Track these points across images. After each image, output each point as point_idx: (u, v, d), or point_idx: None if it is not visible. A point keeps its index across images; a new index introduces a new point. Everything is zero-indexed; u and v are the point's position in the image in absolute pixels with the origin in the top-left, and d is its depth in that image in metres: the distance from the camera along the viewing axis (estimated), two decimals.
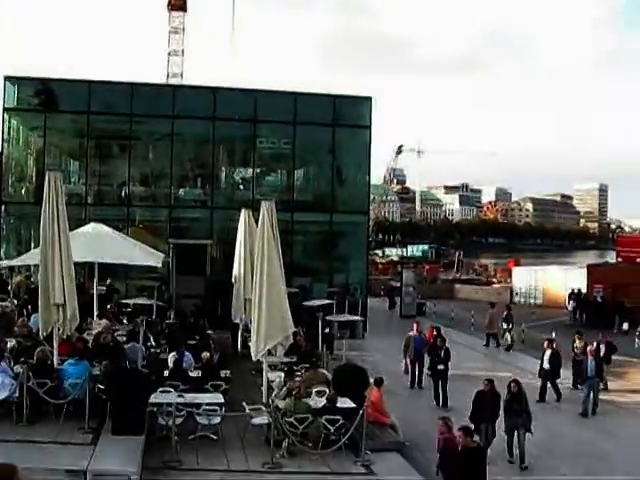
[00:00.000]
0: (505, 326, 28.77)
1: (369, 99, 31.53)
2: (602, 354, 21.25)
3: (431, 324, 22.20)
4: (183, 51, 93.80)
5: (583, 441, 16.31)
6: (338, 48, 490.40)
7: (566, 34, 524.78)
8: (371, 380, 15.87)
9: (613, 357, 24.02)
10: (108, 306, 21.97)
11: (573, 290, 39.00)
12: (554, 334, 26.50)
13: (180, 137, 30.64)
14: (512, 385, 14.83)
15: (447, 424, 11.61)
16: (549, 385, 19.96)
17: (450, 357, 19.51)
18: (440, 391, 19.05)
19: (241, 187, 33.52)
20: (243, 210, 19.98)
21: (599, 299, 36.94)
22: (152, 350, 18.18)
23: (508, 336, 28.63)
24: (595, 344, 21.22)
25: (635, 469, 14.41)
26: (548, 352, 20.25)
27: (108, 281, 25.01)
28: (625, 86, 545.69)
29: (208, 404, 13.62)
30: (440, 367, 19.23)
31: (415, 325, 22.43)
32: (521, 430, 14.34)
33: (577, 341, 22.13)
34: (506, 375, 20.90)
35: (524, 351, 26.95)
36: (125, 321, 21.37)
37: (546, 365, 20.06)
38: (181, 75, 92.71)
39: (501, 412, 14.63)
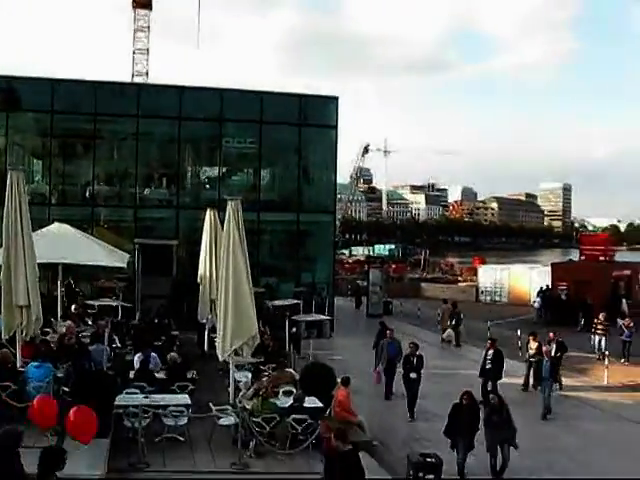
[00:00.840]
0: (448, 323, 30.03)
1: (335, 99, 31.58)
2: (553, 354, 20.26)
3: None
4: (148, 50, 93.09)
5: (544, 436, 16.47)
6: (304, 47, 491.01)
7: (531, 35, 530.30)
8: (338, 379, 15.90)
9: (574, 354, 24.42)
10: (72, 307, 21.74)
11: (542, 288, 39.46)
12: (519, 331, 26.85)
13: (145, 136, 30.41)
14: (491, 397, 14.00)
15: (327, 425, 11.05)
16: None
17: (423, 365, 18.19)
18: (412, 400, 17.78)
19: (207, 187, 33.37)
20: (209, 210, 19.88)
21: (563, 297, 37.37)
22: (117, 351, 18.05)
23: (452, 333, 29.54)
24: (548, 344, 20.71)
25: (603, 465, 14.61)
26: (490, 352, 19.26)
27: (67, 281, 24.66)
28: (589, 88, 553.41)
29: (174, 405, 13.54)
30: (412, 375, 17.90)
31: (388, 332, 20.74)
32: (505, 445, 13.30)
33: (531, 342, 21.40)
34: (474, 373, 21.15)
35: None
36: (90, 322, 21.16)
37: (488, 365, 19.07)
38: (146, 74, 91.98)
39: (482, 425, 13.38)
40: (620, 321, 26.88)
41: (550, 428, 17.15)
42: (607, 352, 24.29)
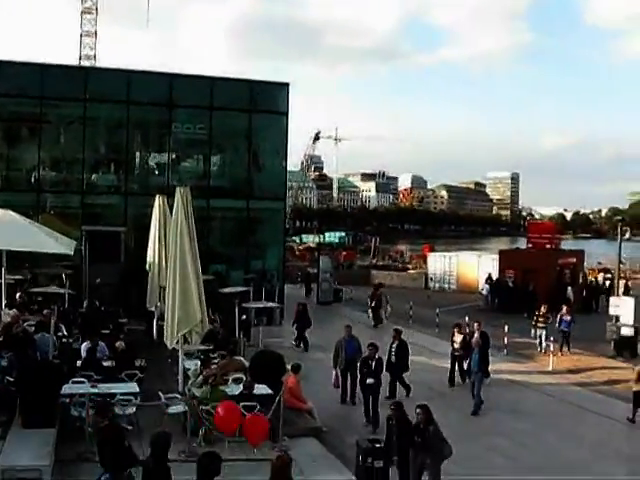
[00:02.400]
0: (370, 304, 31.63)
1: (286, 85, 31.44)
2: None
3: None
4: (96, 32, 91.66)
5: (491, 422, 16.75)
6: (255, 33, 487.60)
7: (483, 25, 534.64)
8: (288, 366, 15.92)
9: (520, 340, 24.90)
10: (17, 295, 21.31)
11: (490, 275, 40.02)
12: (467, 318, 27.16)
13: (93, 121, 29.89)
14: (417, 411, 11.77)
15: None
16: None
17: (382, 369, 17.08)
18: (370, 407, 16.31)
19: (156, 173, 32.94)
20: (158, 196, 19.66)
21: (510, 284, 37.96)
22: (64, 340, 17.77)
23: (370, 313, 31.25)
24: (477, 335, 19.53)
25: (552, 448, 14.92)
26: (396, 343, 18.56)
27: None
28: (540, 79, 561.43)
29: (122, 394, 13.42)
30: (369, 381, 16.54)
31: (347, 329, 19.09)
32: (428, 471, 11.58)
33: (456, 334, 20.62)
34: (422, 359, 21.43)
35: (437, 335, 27.42)
36: (36, 310, 20.77)
37: (393, 358, 18.21)
38: (94, 57, 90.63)
39: None
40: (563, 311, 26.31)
41: (497, 413, 17.43)
42: (550, 345, 24.15)
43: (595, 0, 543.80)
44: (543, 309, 26.13)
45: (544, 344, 25.03)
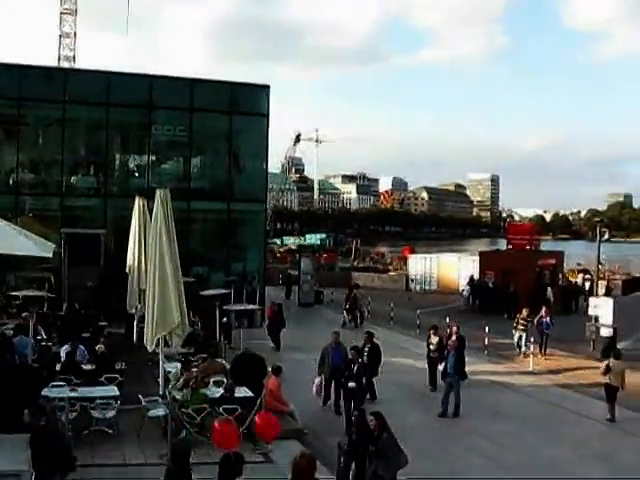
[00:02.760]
0: (345, 305, 32.09)
1: (267, 87, 31.45)
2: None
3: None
4: (75, 34, 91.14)
5: (471, 422, 16.81)
6: (236, 35, 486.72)
7: (461, 27, 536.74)
8: (269, 369, 15.90)
9: (500, 341, 24.98)
10: None
11: (472, 276, 40.21)
12: (448, 319, 27.24)
13: (72, 122, 29.66)
14: (370, 419, 11.43)
15: None
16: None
17: (364, 374, 16.54)
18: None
19: (136, 175, 32.80)
20: (138, 198, 19.56)
21: (490, 285, 38.13)
22: (43, 343, 17.64)
23: (345, 314, 31.57)
24: (454, 336, 19.14)
25: (534, 449, 15.00)
26: (368, 346, 18.14)
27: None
28: (520, 80, 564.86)
29: (102, 397, 13.35)
30: (351, 384, 15.92)
31: (334, 336, 18.26)
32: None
33: (432, 336, 20.07)
34: (402, 360, 21.48)
35: (418, 336, 27.48)
36: (14, 313, 20.62)
37: (365, 360, 17.28)
38: (73, 58, 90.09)
39: None
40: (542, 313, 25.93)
41: (478, 414, 17.48)
42: (529, 349, 24.13)
43: (574, 3, 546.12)
44: (524, 313, 25.68)
45: (524, 347, 24.90)
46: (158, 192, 14.27)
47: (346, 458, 11.63)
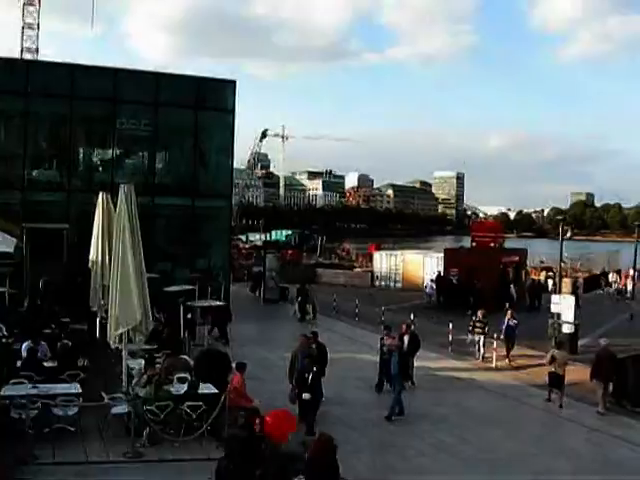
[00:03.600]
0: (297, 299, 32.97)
1: (233, 82, 31.25)
2: (405, 348, 19.00)
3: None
4: (39, 25, 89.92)
5: (434, 417, 16.92)
6: (203, 30, 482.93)
7: (430, 26, 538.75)
8: (233, 365, 15.85)
9: (464, 337, 25.08)
10: None
11: (439, 273, 40.49)
12: (412, 316, 27.41)
13: (35, 115, 29.18)
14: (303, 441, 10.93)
15: None
16: None
17: (320, 383, 15.71)
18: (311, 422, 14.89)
19: (100, 169, 32.41)
20: (101, 193, 19.34)
21: (455, 282, 38.39)
22: (4, 340, 17.39)
23: (297, 307, 32.44)
24: (398, 337, 19.06)
25: (495, 444, 15.15)
26: (314, 346, 17.26)
27: None
28: (486, 80, 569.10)
29: (64, 395, 13.21)
30: (305, 396, 15.21)
31: (301, 339, 17.42)
32: None
33: (385, 337, 19.03)
34: (367, 357, 21.54)
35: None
36: None
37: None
38: (36, 50, 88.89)
39: None
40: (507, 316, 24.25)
41: (441, 410, 17.62)
42: (485, 353, 23.55)
43: (541, 5, 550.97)
44: (480, 314, 24.23)
45: (482, 351, 23.82)
46: (122, 187, 14.15)
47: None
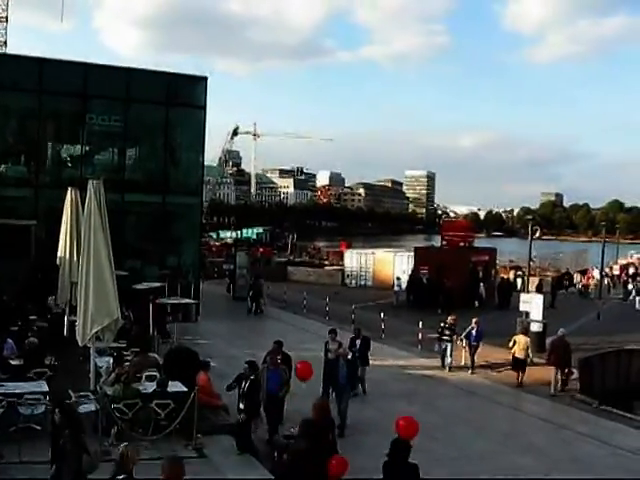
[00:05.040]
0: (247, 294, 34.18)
1: (204, 79, 31.09)
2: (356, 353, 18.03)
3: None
4: (7, 18, 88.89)
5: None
6: (176, 26, 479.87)
7: (405, 26, 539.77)
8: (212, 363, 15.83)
9: (435, 335, 25.11)
10: None
11: (414, 272, 40.68)
12: (382, 314, 27.51)
13: (2, 110, 28.87)
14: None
15: None
16: None
17: (258, 393, 13.76)
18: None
19: (69, 165, 32.07)
20: (70, 189, 19.15)
21: (425, 280, 38.55)
22: None
23: (248, 301, 33.70)
24: (350, 341, 18.32)
25: (465, 442, 15.22)
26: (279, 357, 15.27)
27: None
28: (457, 80, 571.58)
29: (31, 393, 13.02)
30: (241, 406, 13.46)
31: (272, 358, 14.88)
32: None
33: (330, 342, 17.17)
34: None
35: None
36: None
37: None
38: (5, 44, 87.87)
39: None
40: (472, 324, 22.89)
41: (410, 408, 17.63)
42: (451, 363, 22.26)
43: (513, 6, 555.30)
44: (450, 320, 22.80)
45: (448, 359, 22.34)
46: (91, 182, 14.00)
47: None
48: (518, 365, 21.02)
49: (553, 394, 19.86)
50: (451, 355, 22.35)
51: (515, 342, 21.30)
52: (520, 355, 21.05)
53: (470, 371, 22.21)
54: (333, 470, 9.57)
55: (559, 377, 20.39)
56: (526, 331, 23.22)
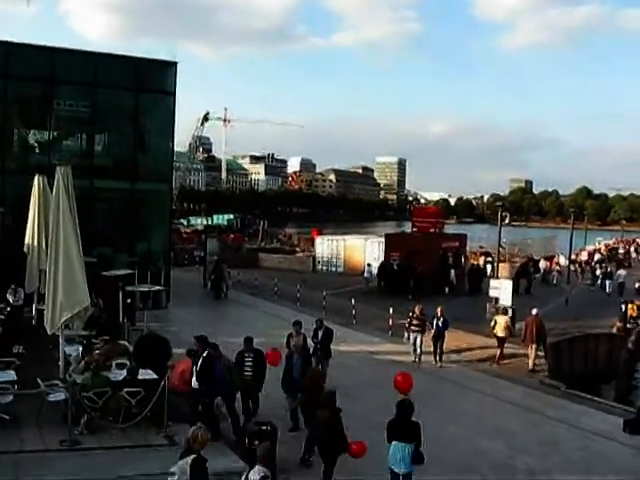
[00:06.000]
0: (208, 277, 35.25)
1: (174, 64, 30.71)
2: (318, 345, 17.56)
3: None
4: None
5: (373, 398, 17.05)
6: (144, 10, 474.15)
7: (377, 13, 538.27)
8: (175, 350, 15.73)
9: (403, 321, 25.23)
10: None
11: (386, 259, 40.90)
12: (353, 301, 27.60)
13: None
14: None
15: None
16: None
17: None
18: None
19: (36, 151, 31.62)
20: (37, 176, 18.92)
21: (395, 267, 38.71)
22: None
23: (209, 285, 34.82)
24: (313, 332, 17.68)
25: (432, 426, 15.32)
26: (251, 356, 14.54)
27: None
28: (428, 68, 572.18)
29: None
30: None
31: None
32: None
33: (294, 335, 16.35)
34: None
35: (325, 318, 27.64)
36: None
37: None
38: None
39: None
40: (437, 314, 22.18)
41: (379, 393, 17.71)
42: (421, 354, 21.68)
43: None
44: (417, 310, 22.07)
45: (418, 350, 21.72)
46: (58, 169, 13.84)
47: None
48: (500, 342, 22.75)
49: (532, 369, 21.43)
50: (421, 347, 21.65)
51: (496, 322, 23.13)
52: (501, 334, 22.76)
53: (439, 364, 21.47)
54: (354, 452, 11.34)
55: (536, 353, 21.98)
56: (506, 311, 25.06)
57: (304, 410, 13.11)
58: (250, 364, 14.34)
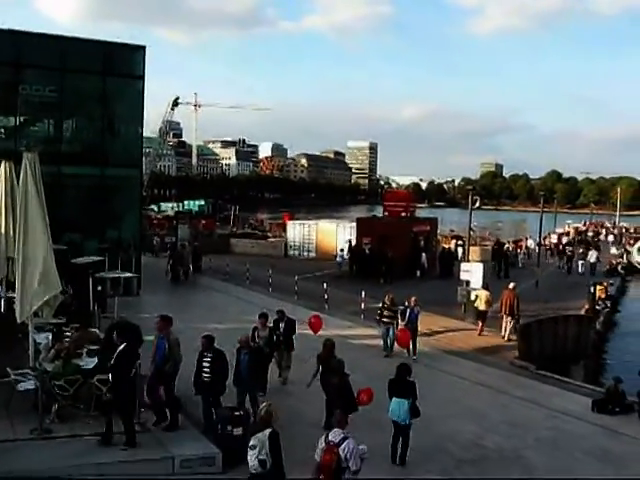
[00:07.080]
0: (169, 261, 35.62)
1: (142, 48, 30.34)
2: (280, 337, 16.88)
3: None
4: None
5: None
6: None
7: None
8: (145, 338, 15.61)
9: (375, 305, 25.32)
10: None
11: (350, 241, 41.03)
12: (325, 285, 27.65)
13: None
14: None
15: None
16: None
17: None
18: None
19: (2, 137, 31.14)
20: (4, 162, 18.60)
21: (367, 251, 38.81)
22: None
23: (168, 268, 35.15)
24: (273, 323, 17.01)
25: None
26: (210, 354, 13.47)
27: None
28: (401, 51, 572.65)
29: None
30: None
31: (157, 321, 14.24)
32: None
33: (260, 327, 16.03)
34: None
35: (296, 302, 27.69)
36: None
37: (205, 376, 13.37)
38: None
39: None
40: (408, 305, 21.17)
41: (354, 376, 17.77)
42: (393, 345, 20.70)
43: None
44: (387, 300, 21.01)
45: (389, 342, 20.84)
46: (25, 155, 13.63)
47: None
48: (481, 316, 24.48)
49: (505, 338, 23.53)
50: (393, 338, 20.66)
51: (477, 297, 24.78)
52: (483, 307, 24.44)
53: (413, 357, 20.07)
54: (362, 400, 13.25)
55: (512, 326, 23.71)
56: (487, 286, 26.06)
57: (321, 377, 14.45)
58: (208, 365, 13.33)
